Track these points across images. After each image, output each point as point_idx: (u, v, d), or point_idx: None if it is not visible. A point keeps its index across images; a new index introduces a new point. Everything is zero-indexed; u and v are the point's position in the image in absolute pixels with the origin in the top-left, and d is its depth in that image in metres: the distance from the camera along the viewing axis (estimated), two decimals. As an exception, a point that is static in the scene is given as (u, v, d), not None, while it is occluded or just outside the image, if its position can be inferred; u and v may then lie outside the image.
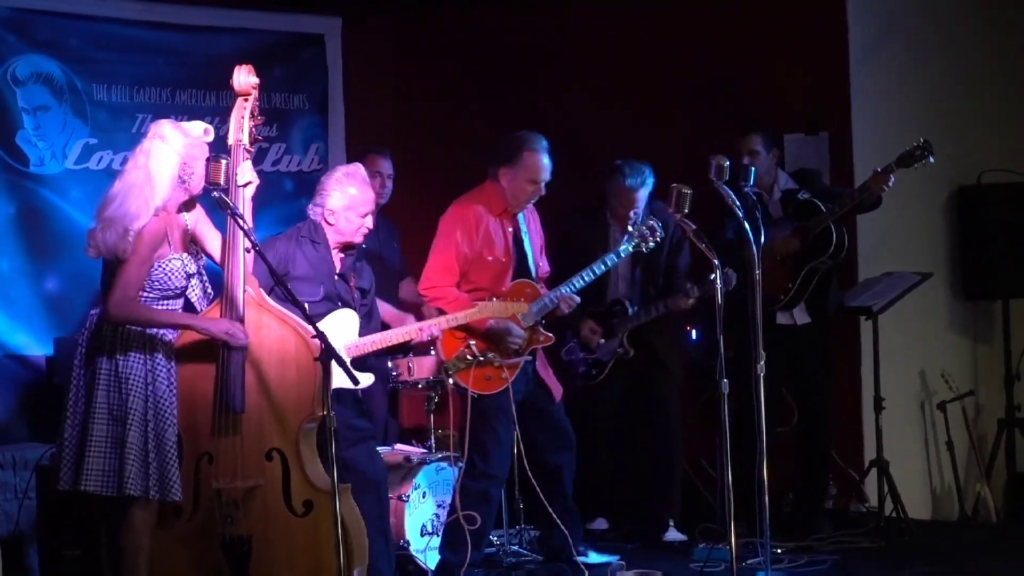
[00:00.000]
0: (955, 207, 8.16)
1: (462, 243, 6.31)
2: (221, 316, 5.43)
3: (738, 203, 6.03)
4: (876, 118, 7.86)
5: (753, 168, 6.24)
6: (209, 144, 5.44)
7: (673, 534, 7.22)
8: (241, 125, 5.58)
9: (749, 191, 6.16)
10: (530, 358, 6.35)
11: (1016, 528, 7.78)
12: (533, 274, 6.46)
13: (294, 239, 6.03)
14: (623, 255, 6.55)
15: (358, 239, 6.18)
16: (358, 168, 6.26)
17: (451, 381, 6.38)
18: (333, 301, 6.08)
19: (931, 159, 6.83)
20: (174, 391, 5.36)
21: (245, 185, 5.54)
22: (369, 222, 6.18)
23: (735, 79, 8.06)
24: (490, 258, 6.34)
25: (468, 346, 6.24)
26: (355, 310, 6.15)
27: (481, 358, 6.23)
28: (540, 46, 8.64)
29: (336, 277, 6.16)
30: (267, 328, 5.50)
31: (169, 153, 5.32)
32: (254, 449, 5.45)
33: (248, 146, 5.58)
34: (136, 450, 5.20)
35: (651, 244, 6.52)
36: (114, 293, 5.23)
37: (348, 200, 6.05)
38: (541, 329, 6.39)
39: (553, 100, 8.51)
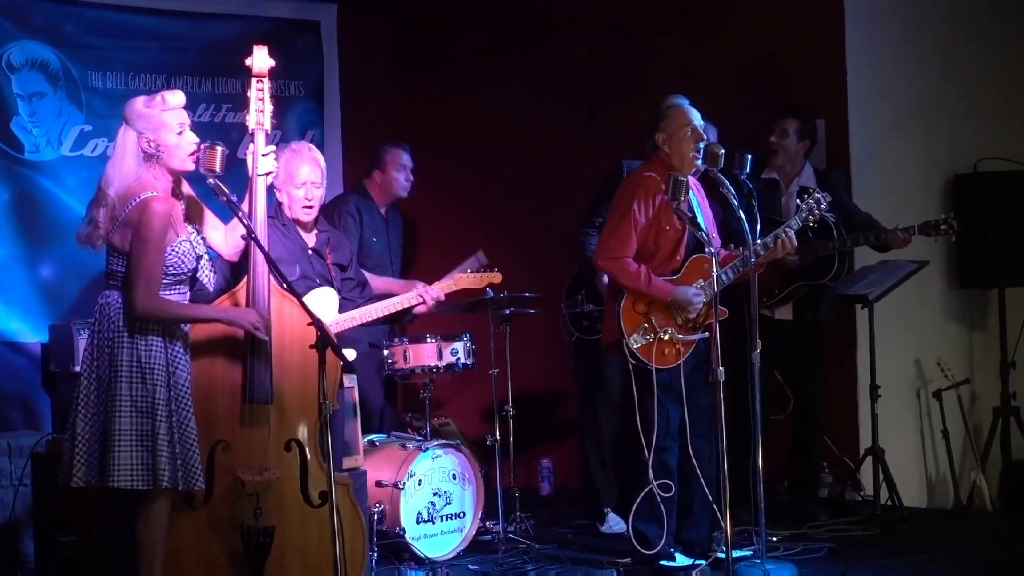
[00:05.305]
0: (951, 195, 8.15)
1: (638, 212, 6.19)
2: (246, 305, 5.38)
3: (733, 191, 6.02)
4: (872, 105, 7.85)
5: (750, 156, 6.21)
6: (176, 110, 5.20)
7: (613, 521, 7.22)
8: (261, 108, 5.53)
9: (744, 179, 6.14)
10: (706, 334, 6.21)
11: (1011, 516, 7.78)
12: (708, 244, 6.07)
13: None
14: (796, 227, 6.19)
15: (302, 215, 6.18)
16: (291, 143, 6.42)
17: (631, 359, 6.20)
18: (311, 279, 6.09)
19: (954, 238, 6.86)
20: (190, 379, 5.23)
21: (267, 174, 5.50)
22: (303, 193, 6.16)
23: (732, 65, 8.05)
24: (667, 227, 6.20)
25: (649, 321, 6.17)
26: (333, 287, 6.16)
27: (663, 335, 6.19)
28: (541, 29, 8.61)
29: (311, 253, 6.17)
30: (290, 317, 5.44)
31: (128, 130, 5.17)
32: (277, 440, 5.41)
33: (268, 130, 5.53)
34: (166, 441, 5.07)
35: (819, 215, 6.23)
36: (137, 289, 5.05)
37: (283, 175, 6.14)
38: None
39: (552, 85, 8.50)
